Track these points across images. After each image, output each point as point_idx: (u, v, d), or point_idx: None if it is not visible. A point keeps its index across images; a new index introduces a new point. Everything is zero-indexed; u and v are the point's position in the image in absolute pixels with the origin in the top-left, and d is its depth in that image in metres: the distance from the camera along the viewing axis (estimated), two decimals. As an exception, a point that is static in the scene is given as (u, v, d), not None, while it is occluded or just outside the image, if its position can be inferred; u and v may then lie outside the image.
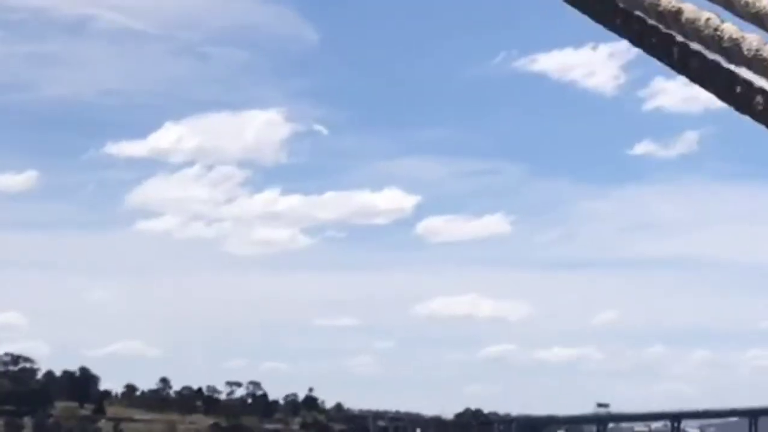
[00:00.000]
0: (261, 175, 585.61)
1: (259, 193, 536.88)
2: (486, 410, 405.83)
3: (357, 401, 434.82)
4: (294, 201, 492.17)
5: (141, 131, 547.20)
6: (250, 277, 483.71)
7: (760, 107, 2.87)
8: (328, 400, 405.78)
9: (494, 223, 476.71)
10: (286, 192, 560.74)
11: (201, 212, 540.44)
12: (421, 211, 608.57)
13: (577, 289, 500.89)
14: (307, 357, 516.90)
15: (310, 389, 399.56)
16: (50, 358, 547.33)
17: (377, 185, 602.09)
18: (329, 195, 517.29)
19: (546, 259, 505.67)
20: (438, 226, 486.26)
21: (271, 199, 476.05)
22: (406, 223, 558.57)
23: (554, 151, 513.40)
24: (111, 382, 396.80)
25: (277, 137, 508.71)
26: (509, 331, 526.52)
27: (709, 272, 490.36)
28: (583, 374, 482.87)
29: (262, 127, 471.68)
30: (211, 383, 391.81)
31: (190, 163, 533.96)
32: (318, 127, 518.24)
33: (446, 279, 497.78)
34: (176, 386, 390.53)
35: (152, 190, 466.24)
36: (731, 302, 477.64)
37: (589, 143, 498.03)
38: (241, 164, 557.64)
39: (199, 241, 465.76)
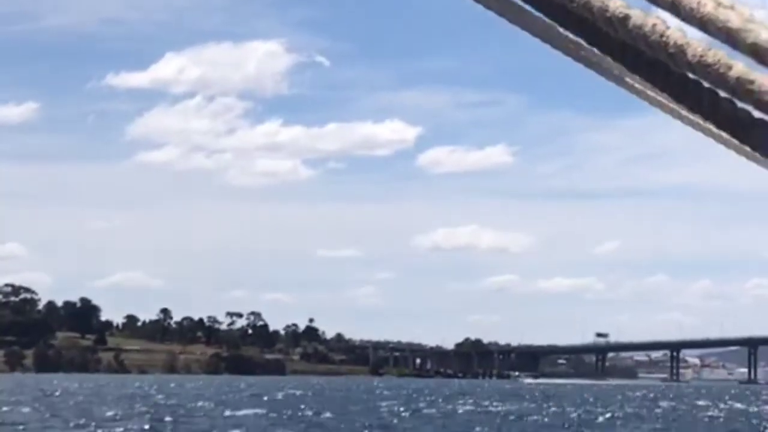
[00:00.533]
0: (262, 106, 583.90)
1: (260, 125, 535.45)
2: (486, 340, 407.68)
3: (357, 332, 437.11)
4: (295, 132, 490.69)
5: (142, 62, 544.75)
6: (251, 209, 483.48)
7: (708, 108, 3.12)
8: (329, 330, 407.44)
9: (496, 154, 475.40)
10: (287, 123, 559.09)
11: (202, 143, 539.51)
12: (422, 143, 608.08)
13: (579, 219, 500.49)
14: (309, 288, 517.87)
15: (311, 320, 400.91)
16: (52, 289, 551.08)
17: (379, 117, 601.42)
18: (331, 126, 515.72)
19: (548, 190, 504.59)
20: (440, 158, 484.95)
21: (272, 130, 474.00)
22: (407, 154, 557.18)
23: (557, 81, 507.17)
24: (112, 313, 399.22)
25: (278, 68, 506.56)
26: (511, 261, 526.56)
27: (712, 202, 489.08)
28: (584, 304, 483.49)
29: (263, 58, 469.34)
30: (211, 314, 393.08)
31: (191, 94, 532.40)
32: (320, 59, 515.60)
33: (448, 210, 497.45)
34: (177, 317, 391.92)
35: (153, 121, 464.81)
36: (734, 232, 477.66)
37: (592, 73, 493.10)
38: (242, 95, 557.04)
39: (200, 172, 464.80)
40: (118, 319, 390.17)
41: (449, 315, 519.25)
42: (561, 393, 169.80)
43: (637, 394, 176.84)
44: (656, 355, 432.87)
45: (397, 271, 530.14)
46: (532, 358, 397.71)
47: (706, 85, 3.01)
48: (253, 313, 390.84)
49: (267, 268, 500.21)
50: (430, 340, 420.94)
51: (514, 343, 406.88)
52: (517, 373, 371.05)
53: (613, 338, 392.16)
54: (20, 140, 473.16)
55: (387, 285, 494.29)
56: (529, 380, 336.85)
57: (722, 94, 2.97)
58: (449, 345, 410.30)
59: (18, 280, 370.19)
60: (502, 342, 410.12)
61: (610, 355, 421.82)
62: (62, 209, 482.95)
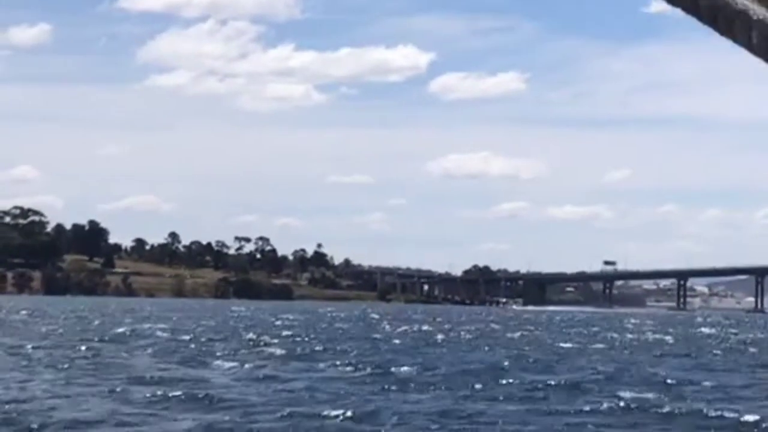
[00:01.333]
0: (274, 30, 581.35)
1: (272, 49, 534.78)
2: (495, 267, 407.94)
3: (366, 257, 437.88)
4: (308, 57, 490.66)
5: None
6: (262, 134, 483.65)
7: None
8: (337, 256, 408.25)
9: (508, 81, 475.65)
10: (299, 48, 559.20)
11: (214, 68, 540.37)
12: (435, 69, 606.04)
13: (590, 147, 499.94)
14: (319, 214, 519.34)
15: (319, 245, 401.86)
16: (62, 212, 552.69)
17: (392, 42, 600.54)
18: (343, 51, 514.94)
19: (559, 117, 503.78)
20: (452, 84, 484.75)
21: (284, 55, 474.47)
22: (420, 80, 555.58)
23: (570, 8, 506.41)
24: (121, 236, 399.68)
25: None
26: (522, 188, 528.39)
27: (723, 131, 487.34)
28: (593, 232, 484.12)
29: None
30: (220, 238, 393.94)
31: (203, 18, 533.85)
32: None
33: (459, 137, 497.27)
34: (185, 241, 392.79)
35: (165, 44, 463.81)
36: (744, 161, 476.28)
37: (607, 1, 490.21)
38: (255, 19, 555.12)
39: (212, 96, 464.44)
40: (126, 243, 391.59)
41: (459, 242, 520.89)
42: (541, 320, 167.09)
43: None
44: (665, 283, 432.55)
45: (407, 198, 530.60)
46: (539, 286, 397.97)
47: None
48: (261, 238, 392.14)
49: (277, 193, 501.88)
50: (439, 267, 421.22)
51: (523, 270, 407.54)
52: (504, 300, 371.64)
53: (621, 266, 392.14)
54: (32, 62, 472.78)
55: (397, 211, 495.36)
56: (516, 307, 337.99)
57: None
58: (457, 271, 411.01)
59: (29, 203, 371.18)
60: (512, 269, 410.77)
61: (619, 283, 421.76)
62: (74, 132, 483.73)
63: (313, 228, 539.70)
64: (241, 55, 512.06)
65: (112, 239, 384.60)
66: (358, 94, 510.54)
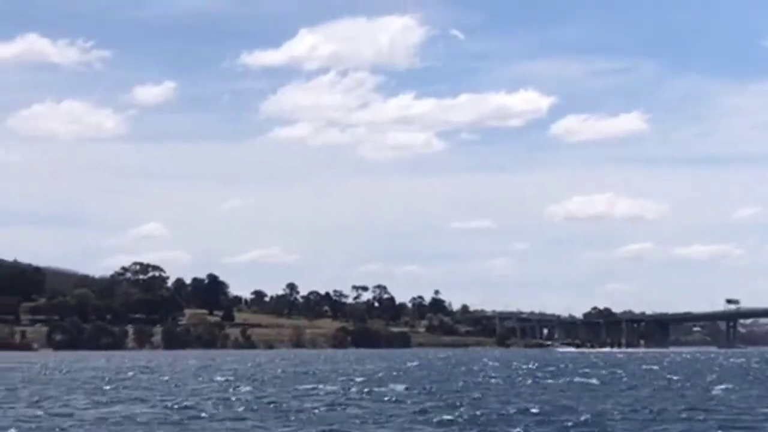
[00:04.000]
0: (395, 79, 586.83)
1: (393, 98, 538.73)
2: (620, 309, 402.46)
3: (485, 302, 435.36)
4: (428, 105, 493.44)
5: (276, 40, 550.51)
6: (384, 182, 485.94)
7: None
8: (455, 301, 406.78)
9: (630, 121, 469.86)
10: (420, 96, 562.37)
11: (335, 118, 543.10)
12: (556, 112, 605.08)
13: (715, 185, 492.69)
14: (441, 260, 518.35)
15: (436, 291, 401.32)
16: (188, 267, 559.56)
17: (512, 87, 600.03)
18: (463, 98, 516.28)
19: (683, 156, 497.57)
20: (573, 126, 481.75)
21: (404, 103, 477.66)
22: (541, 123, 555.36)
23: (690, 46, 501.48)
24: (240, 289, 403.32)
25: (411, 42, 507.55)
26: (646, 229, 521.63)
27: None
28: (720, 271, 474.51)
29: (396, 33, 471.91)
30: (338, 288, 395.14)
31: (324, 70, 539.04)
32: (453, 31, 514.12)
33: (582, 179, 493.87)
34: (303, 291, 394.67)
35: (287, 97, 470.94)
36: None
37: (725, 37, 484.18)
38: (375, 69, 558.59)
39: (334, 146, 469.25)
40: (246, 295, 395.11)
41: (582, 284, 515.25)
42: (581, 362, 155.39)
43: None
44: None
45: (530, 242, 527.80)
46: (661, 327, 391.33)
47: None
48: (378, 286, 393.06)
49: (400, 241, 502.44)
50: (559, 310, 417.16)
51: (649, 311, 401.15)
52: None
53: (748, 304, 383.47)
54: (158, 120, 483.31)
55: (520, 255, 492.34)
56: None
57: None
58: (577, 314, 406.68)
59: (156, 259, 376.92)
60: (637, 311, 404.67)
61: (748, 321, 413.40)
62: (199, 187, 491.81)
63: (434, 274, 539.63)
64: (362, 105, 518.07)
65: (233, 291, 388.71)
66: (479, 140, 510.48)
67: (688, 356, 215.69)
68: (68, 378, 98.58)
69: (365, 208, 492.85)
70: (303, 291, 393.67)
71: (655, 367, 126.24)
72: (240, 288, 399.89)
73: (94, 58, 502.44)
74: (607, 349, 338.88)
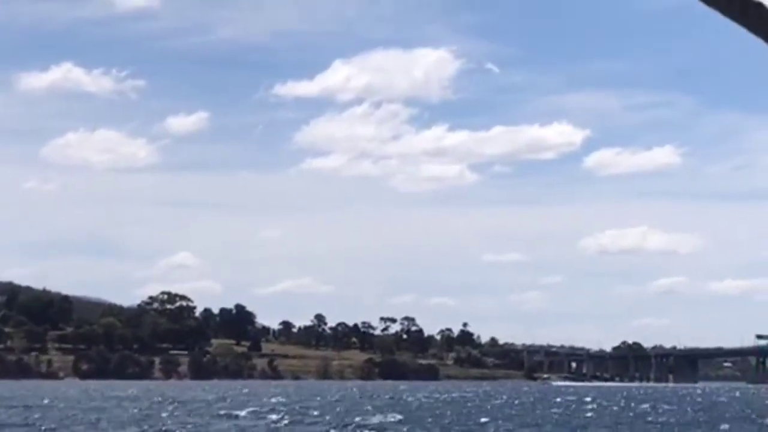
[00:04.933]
0: (428, 112, 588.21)
1: (426, 130, 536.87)
2: (651, 343, 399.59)
3: (513, 335, 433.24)
4: (461, 137, 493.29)
5: (310, 71, 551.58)
6: (416, 214, 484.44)
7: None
8: (483, 334, 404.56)
9: (664, 155, 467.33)
10: (453, 128, 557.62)
11: (368, 150, 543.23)
12: (590, 145, 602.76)
13: (749, 220, 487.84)
14: (472, 292, 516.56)
15: (465, 324, 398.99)
16: (218, 297, 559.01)
17: (546, 120, 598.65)
18: (497, 130, 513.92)
19: (717, 191, 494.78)
20: (607, 159, 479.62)
21: (437, 135, 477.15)
22: (574, 157, 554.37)
23: (727, 82, 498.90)
24: (269, 319, 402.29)
25: (445, 74, 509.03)
26: (680, 263, 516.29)
27: None
28: (750, 306, 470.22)
29: (430, 65, 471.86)
30: (366, 319, 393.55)
31: (358, 101, 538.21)
32: (488, 64, 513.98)
33: (615, 212, 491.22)
34: (331, 322, 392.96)
35: (320, 129, 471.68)
36: None
37: (762, 73, 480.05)
38: (408, 102, 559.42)
39: (366, 178, 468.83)
40: (273, 326, 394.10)
41: (613, 318, 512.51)
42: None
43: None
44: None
45: (562, 275, 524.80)
46: (690, 362, 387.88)
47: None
48: (407, 318, 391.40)
49: (431, 273, 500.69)
50: (589, 344, 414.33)
51: (680, 346, 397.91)
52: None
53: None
54: (190, 150, 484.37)
55: (552, 289, 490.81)
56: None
57: None
58: (608, 348, 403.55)
59: (188, 289, 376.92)
60: (668, 345, 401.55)
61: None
62: (232, 217, 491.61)
63: (465, 307, 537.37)
64: (395, 136, 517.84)
65: (262, 322, 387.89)
66: (512, 172, 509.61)
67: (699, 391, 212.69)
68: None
69: (397, 240, 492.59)
70: (331, 322, 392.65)
71: (645, 406, 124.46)
72: (268, 319, 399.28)
73: (128, 87, 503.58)
74: (635, 384, 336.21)
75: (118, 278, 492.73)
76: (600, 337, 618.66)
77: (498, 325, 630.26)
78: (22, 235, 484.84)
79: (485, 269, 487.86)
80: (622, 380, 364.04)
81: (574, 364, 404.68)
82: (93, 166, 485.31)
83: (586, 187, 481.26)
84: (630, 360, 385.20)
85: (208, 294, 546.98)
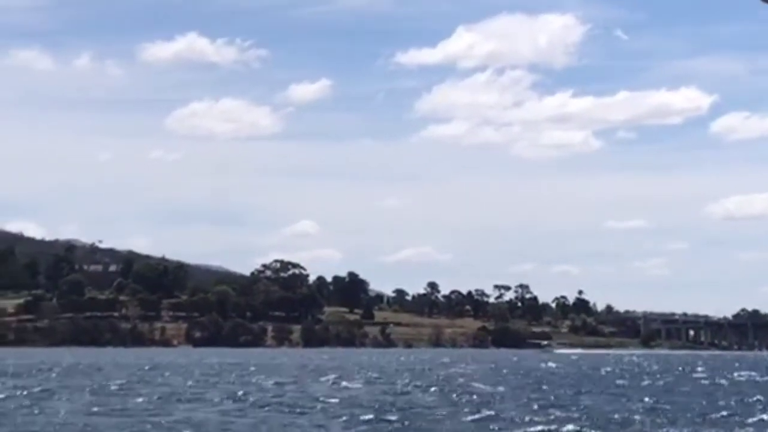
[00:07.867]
0: (551, 78, 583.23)
1: (549, 96, 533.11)
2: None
3: (630, 303, 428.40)
4: (585, 103, 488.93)
5: (432, 38, 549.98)
6: (538, 181, 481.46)
7: None
8: (599, 302, 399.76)
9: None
10: (577, 94, 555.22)
11: (490, 117, 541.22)
12: (716, 110, 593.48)
13: None
14: (593, 259, 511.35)
15: (580, 292, 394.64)
16: (338, 264, 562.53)
17: (673, 84, 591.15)
18: (622, 95, 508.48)
19: None
20: (734, 124, 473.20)
21: (561, 101, 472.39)
22: (700, 122, 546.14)
23: None
24: (383, 287, 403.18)
25: (570, 40, 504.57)
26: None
27: None
28: None
29: (556, 30, 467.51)
30: (479, 287, 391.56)
31: (481, 68, 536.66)
32: (614, 29, 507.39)
33: (742, 177, 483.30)
34: (445, 290, 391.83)
35: (442, 96, 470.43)
36: None
37: None
38: (532, 68, 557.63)
39: (488, 145, 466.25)
40: (387, 293, 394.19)
41: (737, 286, 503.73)
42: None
43: None
44: None
45: (687, 242, 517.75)
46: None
47: None
48: (521, 285, 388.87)
49: (552, 240, 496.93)
50: (709, 312, 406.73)
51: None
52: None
53: None
54: (313, 118, 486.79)
55: (675, 255, 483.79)
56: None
57: None
58: (727, 316, 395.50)
59: (309, 257, 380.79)
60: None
61: None
62: (354, 186, 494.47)
63: (586, 274, 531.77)
64: (517, 103, 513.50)
65: (376, 290, 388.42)
66: (637, 138, 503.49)
67: None
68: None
69: (519, 208, 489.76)
70: (445, 290, 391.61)
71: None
72: (382, 287, 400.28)
73: (251, 56, 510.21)
74: (744, 352, 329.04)
75: (240, 247, 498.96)
76: (722, 305, 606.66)
77: (616, 293, 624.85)
78: (146, 204, 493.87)
79: (607, 236, 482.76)
80: (740, 349, 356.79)
81: (691, 332, 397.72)
82: (217, 135, 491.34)
83: (713, 153, 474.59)
84: (749, 328, 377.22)
85: (328, 262, 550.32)
